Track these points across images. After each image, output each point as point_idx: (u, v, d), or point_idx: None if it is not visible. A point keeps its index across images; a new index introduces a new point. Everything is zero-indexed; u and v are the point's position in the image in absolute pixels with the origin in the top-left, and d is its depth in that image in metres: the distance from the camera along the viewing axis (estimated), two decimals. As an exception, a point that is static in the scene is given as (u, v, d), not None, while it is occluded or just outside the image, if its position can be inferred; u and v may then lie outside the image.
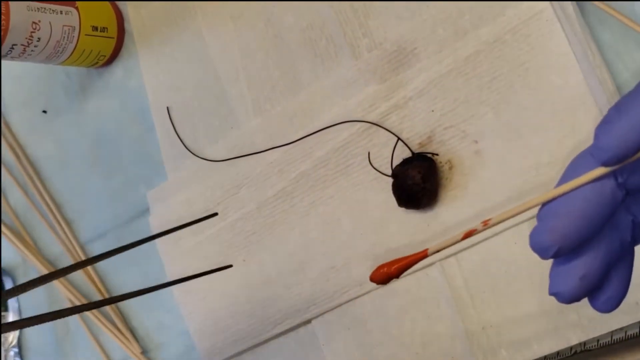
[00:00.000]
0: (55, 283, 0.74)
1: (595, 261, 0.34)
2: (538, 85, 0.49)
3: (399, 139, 0.53)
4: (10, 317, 0.78)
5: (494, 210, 0.49)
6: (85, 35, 0.68)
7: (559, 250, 0.34)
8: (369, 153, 0.54)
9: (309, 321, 0.58)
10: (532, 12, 0.49)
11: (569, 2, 0.48)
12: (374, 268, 0.51)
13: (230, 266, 0.56)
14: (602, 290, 0.36)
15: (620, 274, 0.36)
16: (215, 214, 0.56)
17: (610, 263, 0.35)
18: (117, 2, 0.72)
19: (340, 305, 0.56)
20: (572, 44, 0.48)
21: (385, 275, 0.41)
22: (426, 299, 0.52)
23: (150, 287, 0.50)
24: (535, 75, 0.49)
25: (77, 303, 0.73)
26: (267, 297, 0.60)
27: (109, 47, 0.71)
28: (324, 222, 0.57)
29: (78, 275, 0.74)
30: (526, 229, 0.49)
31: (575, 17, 0.48)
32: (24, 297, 0.79)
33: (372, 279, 0.41)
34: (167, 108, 0.66)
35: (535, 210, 0.37)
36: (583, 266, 0.34)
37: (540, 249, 0.34)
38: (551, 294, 0.35)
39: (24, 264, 0.79)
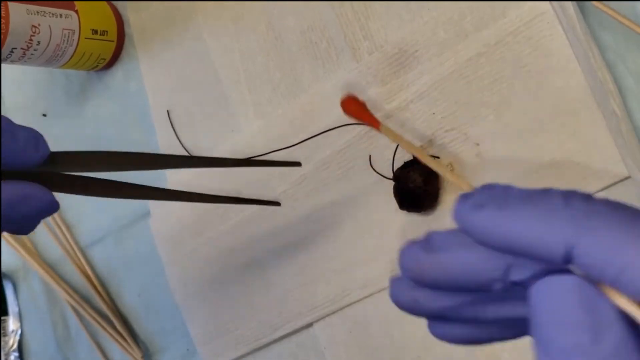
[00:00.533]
0: (55, 286, 0.74)
1: (433, 305, 0.31)
2: (539, 88, 0.48)
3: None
4: (11, 321, 0.78)
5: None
6: (85, 38, 0.68)
7: (407, 310, 0.32)
8: (370, 156, 0.54)
9: (310, 324, 0.58)
10: (534, 14, 0.49)
11: (570, 4, 0.48)
12: (379, 266, 0.51)
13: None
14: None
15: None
16: (299, 164, 0.55)
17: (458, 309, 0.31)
18: (117, 5, 0.72)
19: (341, 308, 0.56)
20: (573, 46, 0.48)
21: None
22: (428, 302, 0.52)
23: None
24: (536, 77, 0.49)
25: (77, 307, 0.73)
26: (268, 300, 0.60)
27: (109, 50, 0.71)
28: (326, 225, 0.56)
29: (78, 279, 0.74)
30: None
31: (576, 19, 0.48)
32: (24, 301, 0.79)
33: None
34: (168, 111, 0.66)
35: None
36: (423, 300, 0.31)
37: (394, 297, 0.32)
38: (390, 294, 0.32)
39: (24, 268, 0.79)
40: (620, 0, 0.48)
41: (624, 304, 0.25)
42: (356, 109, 0.49)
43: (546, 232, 0.25)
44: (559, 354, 0.25)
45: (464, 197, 0.28)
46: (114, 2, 0.72)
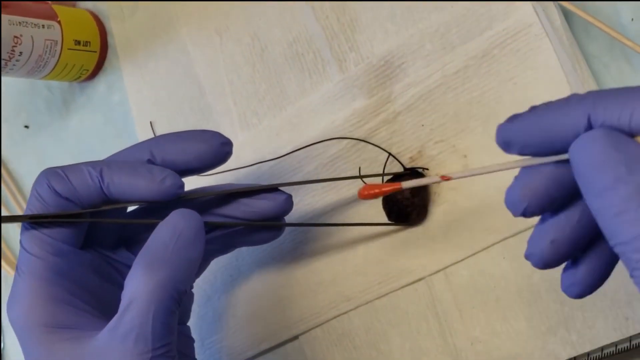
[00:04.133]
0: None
1: (566, 227, 0.35)
2: (527, 100, 0.48)
3: (389, 154, 0.53)
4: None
5: (483, 224, 0.49)
6: (68, 49, 0.67)
7: (527, 207, 0.35)
8: (359, 168, 0.54)
9: (296, 337, 0.57)
10: (521, 27, 0.49)
11: (557, 16, 0.48)
12: (366, 278, 0.51)
13: None
14: (571, 271, 0.37)
15: (595, 258, 0.36)
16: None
17: (584, 235, 0.35)
18: (100, 16, 0.72)
19: (328, 320, 0.56)
20: (560, 58, 0.48)
21: (367, 195, 0.46)
22: (415, 314, 0.52)
23: None
24: (523, 89, 0.49)
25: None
26: (253, 312, 0.59)
27: (92, 61, 0.70)
28: (313, 237, 0.56)
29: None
30: (514, 244, 0.49)
31: (562, 30, 0.48)
32: (6, 313, 0.78)
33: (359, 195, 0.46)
34: (151, 123, 0.66)
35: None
36: (554, 230, 0.36)
37: (511, 205, 0.36)
38: (526, 255, 0.37)
39: (6, 281, 0.78)
40: (601, 0, 0.49)
41: None
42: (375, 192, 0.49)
43: (568, 113, 0.33)
44: (604, 191, 0.31)
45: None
46: (96, 13, 0.72)
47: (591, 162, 0.32)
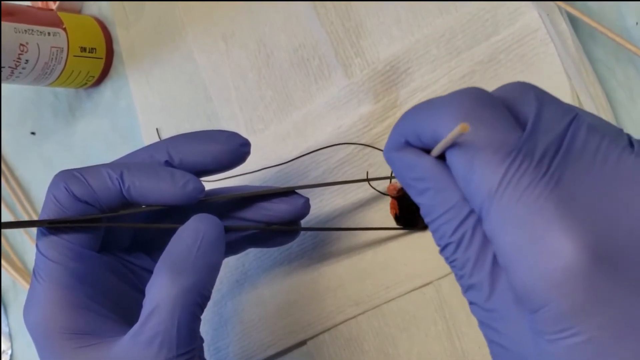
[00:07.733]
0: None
1: None
2: (532, 104, 0.49)
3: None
4: (1, 341, 0.77)
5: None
6: (74, 56, 0.68)
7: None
8: (367, 173, 0.54)
9: (303, 342, 0.57)
10: (526, 32, 0.49)
11: (562, 20, 0.49)
12: (374, 283, 0.51)
13: None
14: None
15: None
16: None
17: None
18: (106, 23, 0.72)
19: (335, 325, 0.56)
20: (565, 63, 0.48)
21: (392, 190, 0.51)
22: (423, 318, 0.52)
23: None
24: (529, 94, 0.49)
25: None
26: (260, 317, 0.59)
27: (98, 67, 0.70)
28: (321, 242, 0.56)
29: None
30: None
31: (568, 35, 0.48)
32: (14, 321, 0.78)
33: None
34: (157, 129, 0.66)
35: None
36: None
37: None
38: None
39: (14, 288, 0.78)
40: (605, 1, 0.49)
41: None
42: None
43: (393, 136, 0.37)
44: (417, 199, 0.37)
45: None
46: (102, 19, 0.72)
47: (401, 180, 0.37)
